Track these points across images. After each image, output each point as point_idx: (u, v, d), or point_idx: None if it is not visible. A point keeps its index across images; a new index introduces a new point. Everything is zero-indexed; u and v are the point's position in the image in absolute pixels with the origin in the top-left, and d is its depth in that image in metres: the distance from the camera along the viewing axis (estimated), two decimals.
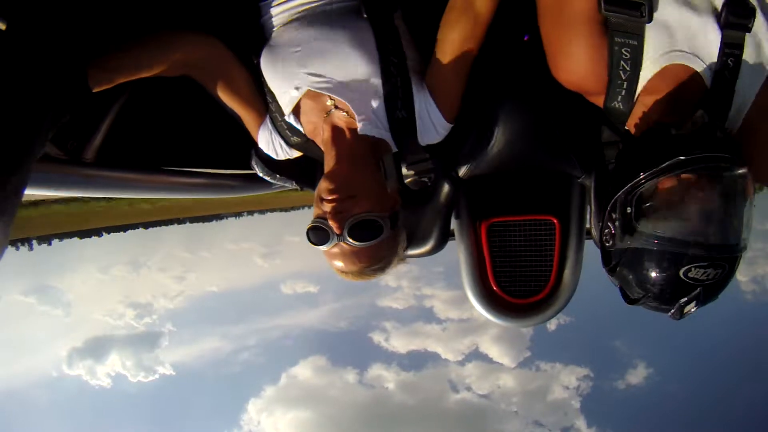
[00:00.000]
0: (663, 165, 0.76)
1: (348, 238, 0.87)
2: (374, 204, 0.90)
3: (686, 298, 0.78)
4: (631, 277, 0.83)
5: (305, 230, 0.91)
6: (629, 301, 0.87)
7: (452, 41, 0.92)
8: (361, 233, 0.88)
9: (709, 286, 0.77)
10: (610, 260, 0.87)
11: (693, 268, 0.75)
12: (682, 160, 0.74)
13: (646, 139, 0.83)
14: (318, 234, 0.89)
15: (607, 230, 0.85)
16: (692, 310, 0.79)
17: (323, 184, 0.91)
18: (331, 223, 0.88)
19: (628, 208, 0.80)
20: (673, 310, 0.80)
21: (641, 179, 0.78)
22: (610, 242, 0.85)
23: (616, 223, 0.82)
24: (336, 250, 0.90)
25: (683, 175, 0.75)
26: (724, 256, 0.75)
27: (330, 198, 0.88)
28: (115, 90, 0.94)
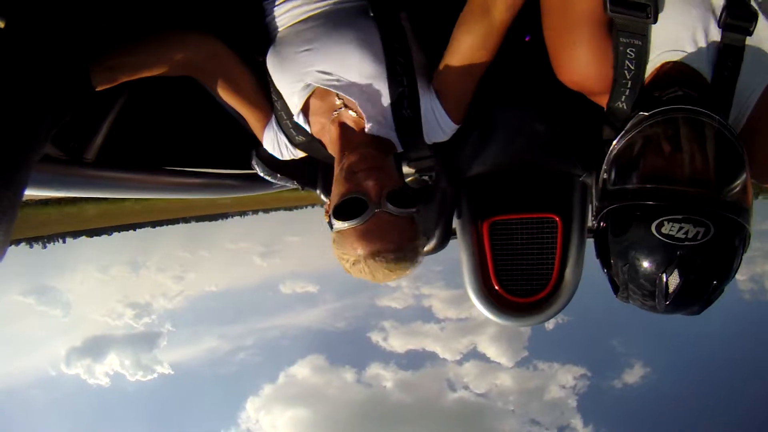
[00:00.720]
0: (627, 125, 0.76)
1: (388, 205, 0.84)
2: (399, 182, 0.89)
3: (665, 270, 0.69)
4: (610, 261, 0.76)
5: (332, 210, 0.86)
6: (616, 291, 0.81)
7: (467, 46, 0.91)
8: (399, 200, 0.85)
9: (694, 256, 0.68)
10: (598, 247, 0.81)
11: (665, 222, 0.67)
12: (645, 115, 0.73)
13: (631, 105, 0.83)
14: (352, 206, 0.84)
15: (596, 209, 0.81)
16: (676, 284, 0.69)
17: (351, 158, 0.88)
18: (370, 189, 0.84)
19: (604, 174, 0.77)
20: (651, 298, 0.72)
21: (614, 144, 0.77)
22: (593, 220, 0.80)
23: (594, 192, 0.81)
24: (370, 224, 0.83)
25: (650, 130, 0.73)
26: (705, 210, 0.67)
27: (363, 167, 0.86)
28: (116, 90, 0.94)
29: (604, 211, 0.76)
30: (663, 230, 0.68)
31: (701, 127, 0.70)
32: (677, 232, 0.67)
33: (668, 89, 0.77)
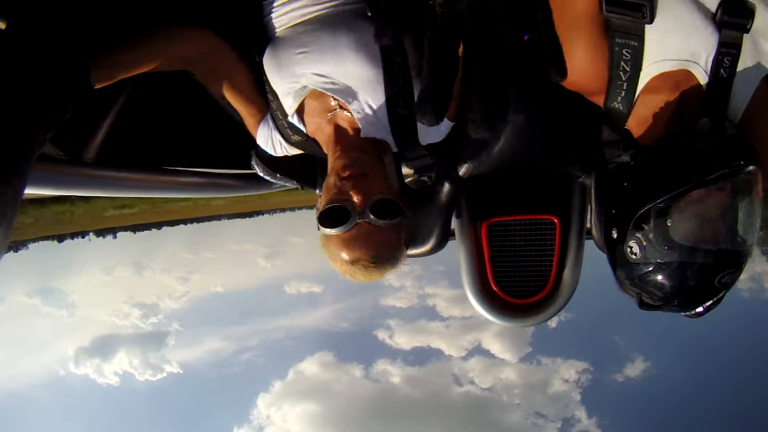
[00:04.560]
0: (710, 177, 0.77)
1: (370, 215, 0.86)
2: (387, 188, 0.90)
3: (712, 301, 0.82)
4: (659, 286, 0.84)
5: (318, 216, 0.89)
6: (647, 307, 0.88)
7: None
8: (383, 211, 0.87)
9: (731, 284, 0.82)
10: (628, 271, 0.88)
11: (726, 275, 0.80)
12: (726, 172, 0.77)
13: (673, 151, 0.85)
14: (336, 214, 0.87)
15: (634, 242, 0.86)
16: (712, 307, 0.84)
17: (338, 164, 0.90)
18: (354, 198, 0.86)
19: (669, 220, 0.81)
20: (696, 311, 0.85)
21: (685, 189, 0.79)
22: (638, 254, 0.85)
23: (650, 235, 0.83)
24: (352, 233, 0.87)
25: (711, 187, 0.78)
26: (746, 257, 0.80)
27: (347, 174, 0.87)
28: (115, 89, 0.94)
29: (664, 260, 0.83)
30: (723, 280, 0.81)
31: (751, 185, 0.79)
32: (730, 280, 0.81)
33: (695, 122, 0.82)
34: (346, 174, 0.87)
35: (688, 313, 0.86)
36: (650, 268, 0.84)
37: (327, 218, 0.87)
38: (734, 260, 0.79)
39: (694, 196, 0.79)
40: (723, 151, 0.78)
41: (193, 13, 1.04)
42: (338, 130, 0.97)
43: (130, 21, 0.98)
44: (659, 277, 0.84)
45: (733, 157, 0.77)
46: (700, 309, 0.84)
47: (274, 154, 1.10)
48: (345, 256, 0.89)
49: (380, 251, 0.89)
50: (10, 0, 0.77)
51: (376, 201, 0.86)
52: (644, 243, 0.84)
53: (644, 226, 0.83)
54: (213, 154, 1.39)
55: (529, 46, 0.64)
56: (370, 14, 0.96)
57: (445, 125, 0.99)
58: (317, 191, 1.20)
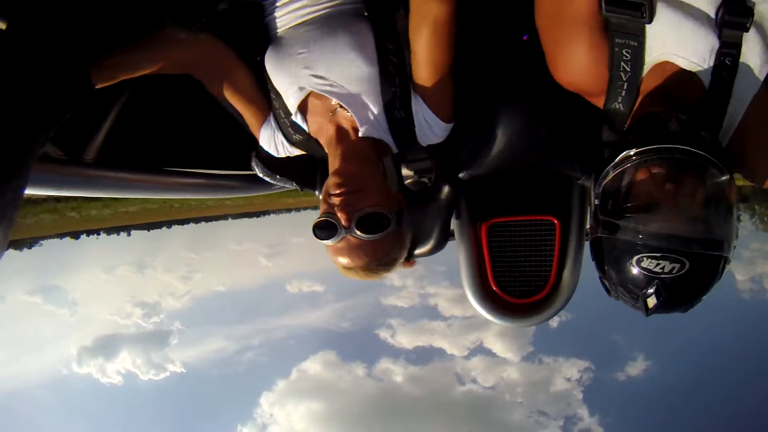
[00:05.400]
0: (616, 159, 0.78)
1: (356, 231, 0.88)
2: (381, 199, 0.92)
3: (646, 290, 0.77)
4: (604, 267, 0.84)
5: (312, 227, 0.92)
6: (608, 292, 0.88)
7: (421, 48, 0.91)
8: (368, 226, 0.89)
9: (671, 283, 0.75)
10: (593, 253, 0.88)
11: (645, 258, 0.75)
12: (630, 154, 0.77)
13: (626, 131, 0.85)
14: (325, 228, 0.91)
15: (591, 223, 0.87)
16: (654, 304, 0.78)
17: (330, 180, 0.92)
18: (339, 215, 0.89)
19: (596, 200, 0.82)
20: (638, 302, 0.80)
21: (605, 171, 0.81)
22: (589, 234, 0.87)
23: (593, 212, 0.84)
24: (342, 244, 0.91)
25: (642, 168, 0.76)
26: (679, 250, 0.74)
27: (337, 192, 0.90)
28: (116, 90, 0.94)
29: (597, 234, 0.83)
30: (642, 264, 0.76)
31: (687, 168, 0.75)
32: (654, 267, 0.75)
33: (658, 112, 0.79)
34: (336, 192, 0.90)
35: (632, 303, 0.82)
36: (596, 246, 0.84)
37: (318, 230, 0.92)
38: (652, 243, 0.74)
39: (622, 176, 0.78)
40: (649, 135, 0.76)
41: (194, 13, 1.04)
42: (339, 131, 0.98)
43: (133, 22, 0.99)
44: (599, 257, 0.83)
45: (650, 141, 0.75)
46: (639, 302, 0.79)
47: (276, 155, 1.11)
48: (340, 261, 0.94)
49: (371, 261, 0.92)
50: (10, 0, 0.77)
51: (363, 216, 0.89)
52: (592, 222, 0.85)
53: (592, 203, 0.85)
54: (212, 155, 1.40)
55: (527, 45, 0.64)
56: (366, 14, 0.97)
57: (444, 127, 1.00)
58: (316, 192, 1.20)
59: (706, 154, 0.74)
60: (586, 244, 1.33)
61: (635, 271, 0.77)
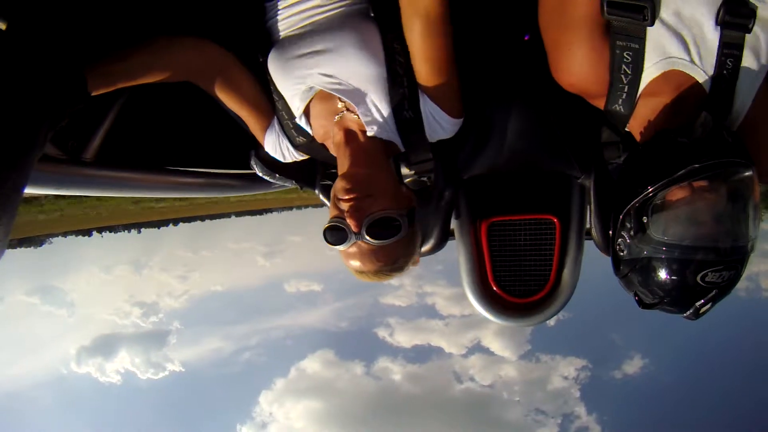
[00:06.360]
0: (678, 173, 0.77)
1: (366, 237, 0.87)
2: (391, 202, 0.91)
3: (703, 300, 0.80)
4: (648, 283, 0.84)
5: (322, 230, 0.91)
6: (644, 305, 0.88)
7: (415, 43, 0.90)
8: (379, 232, 0.88)
9: (726, 286, 0.79)
10: (622, 268, 0.88)
11: (710, 273, 0.78)
12: (696, 167, 0.75)
13: (656, 147, 0.84)
14: (336, 234, 0.89)
15: (620, 239, 0.86)
16: (707, 309, 0.82)
17: (339, 184, 0.91)
18: (349, 221, 0.87)
19: (644, 217, 0.81)
20: (689, 312, 0.83)
21: (657, 187, 0.79)
22: (625, 251, 0.86)
23: (631, 232, 0.83)
24: (353, 249, 0.90)
25: (695, 183, 0.77)
26: (737, 258, 0.77)
27: (347, 197, 0.88)
28: (116, 90, 0.94)
29: (645, 255, 0.83)
30: (707, 279, 0.78)
31: (744, 185, 0.77)
32: (717, 278, 0.78)
33: (695, 119, 0.80)
34: (345, 197, 0.89)
35: (682, 313, 0.85)
36: (636, 265, 0.84)
37: (329, 235, 0.90)
38: (719, 257, 0.77)
39: (666, 194, 0.79)
40: (705, 147, 0.77)
41: (196, 16, 1.03)
42: (347, 134, 0.97)
43: (131, 25, 0.98)
44: (645, 274, 0.83)
45: (713, 154, 0.75)
46: (690, 310, 0.83)
47: (282, 160, 1.10)
48: (352, 265, 0.93)
49: (384, 265, 0.91)
50: (9, 3, 0.77)
51: (374, 221, 0.88)
52: (627, 240, 0.84)
53: (627, 223, 0.84)
54: (212, 154, 1.39)
55: (528, 45, 0.63)
56: (373, 15, 0.96)
57: (452, 122, 0.99)
58: (316, 191, 1.20)
59: (747, 161, 0.76)
60: (587, 243, 1.34)
61: (698, 285, 0.79)
